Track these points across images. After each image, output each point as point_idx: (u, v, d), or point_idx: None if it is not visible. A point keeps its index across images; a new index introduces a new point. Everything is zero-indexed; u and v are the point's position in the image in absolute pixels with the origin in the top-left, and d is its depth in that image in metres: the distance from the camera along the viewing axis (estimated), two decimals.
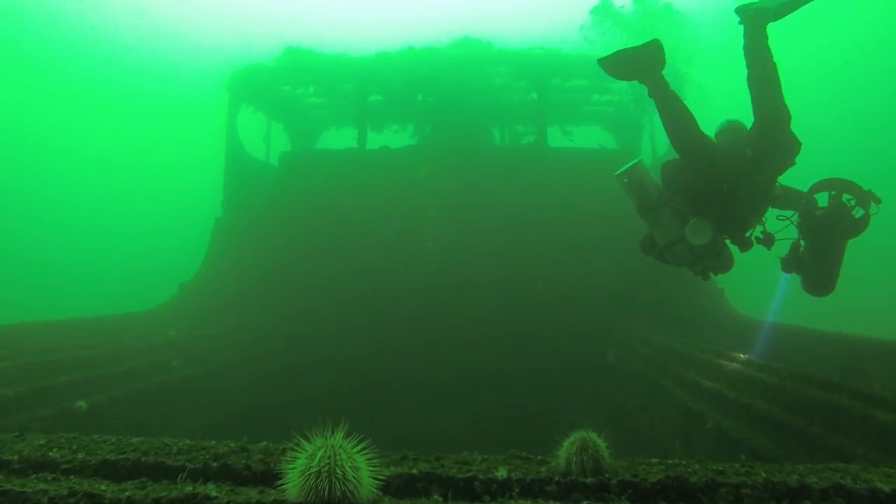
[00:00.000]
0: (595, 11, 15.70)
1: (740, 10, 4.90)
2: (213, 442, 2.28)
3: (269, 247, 11.79)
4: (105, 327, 8.47)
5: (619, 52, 5.05)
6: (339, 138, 16.22)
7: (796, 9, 4.76)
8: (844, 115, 50.01)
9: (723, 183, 5.05)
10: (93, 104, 62.08)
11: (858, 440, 3.41)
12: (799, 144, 4.90)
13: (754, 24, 4.78)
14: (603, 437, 2.05)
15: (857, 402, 3.63)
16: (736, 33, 4.95)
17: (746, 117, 5.09)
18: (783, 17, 4.80)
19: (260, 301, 11.05)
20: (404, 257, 11.44)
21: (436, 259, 11.45)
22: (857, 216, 5.21)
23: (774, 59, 4.76)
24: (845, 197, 5.31)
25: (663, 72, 5.11)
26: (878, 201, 5.24)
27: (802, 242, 5.49)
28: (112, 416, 5.71)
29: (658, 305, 10.38)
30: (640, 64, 5.04)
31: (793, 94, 4.83)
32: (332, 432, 1.74)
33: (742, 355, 5.88)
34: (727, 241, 5.45)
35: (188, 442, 2.26)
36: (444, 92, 13.47)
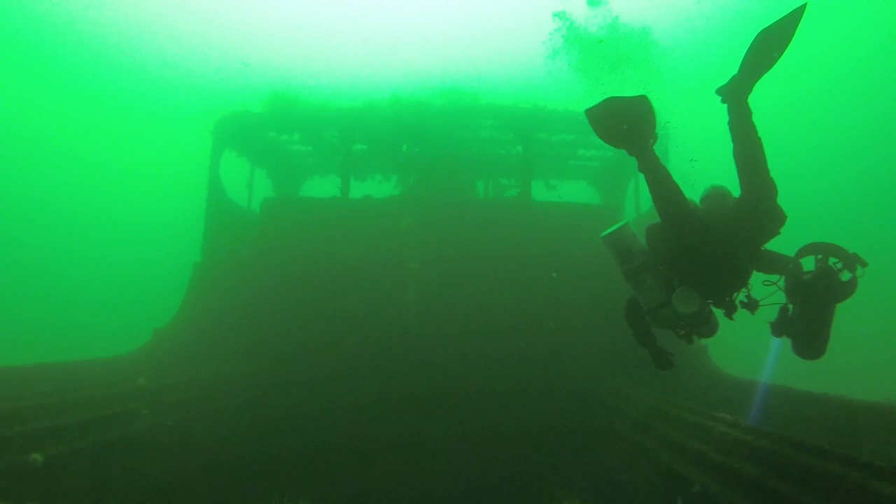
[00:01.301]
0: (557, 16, 16.02)
1: (720, 91, 4.91)
2: None
3: (248, 294, 11.58)
4: (70, 374, 8.18)
5: (607, 100, 4.96)
6: (322, 186, 16.18)
7: (762, 73, 4.74)
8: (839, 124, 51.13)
9: (708, 251, 4.99)
10: (78, 120, 61.57)
11: None
12: (784, 218, 4.88)
13: (735, 101, 4.78)
14: None
15: (852, 471, 3.47)
16: (714, 60, 4.93)
17: (725, 143, 5.01)
18: (757, 80, 4.78)
19: (237, 350, 10.79)
20: (385, 308, 11.27)
21: (416, 311, 11.28)
22: (844, 279, 5.15)
23: (759, 135, 4.75)
24: (831, 260, 5.26)
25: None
26: (863, 264, 5.19)
27: (790, 307, 5.41)
28: (71, 470, 5.41)
29: (641, 362, 10.20)
30: (630, 127, 4.95)
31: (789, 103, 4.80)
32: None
33: (729, 417, 5.73)
34: (712, 306, 5.38)
35: None
36: (430, 143, 13.49)
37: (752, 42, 4.61)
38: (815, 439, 4.28)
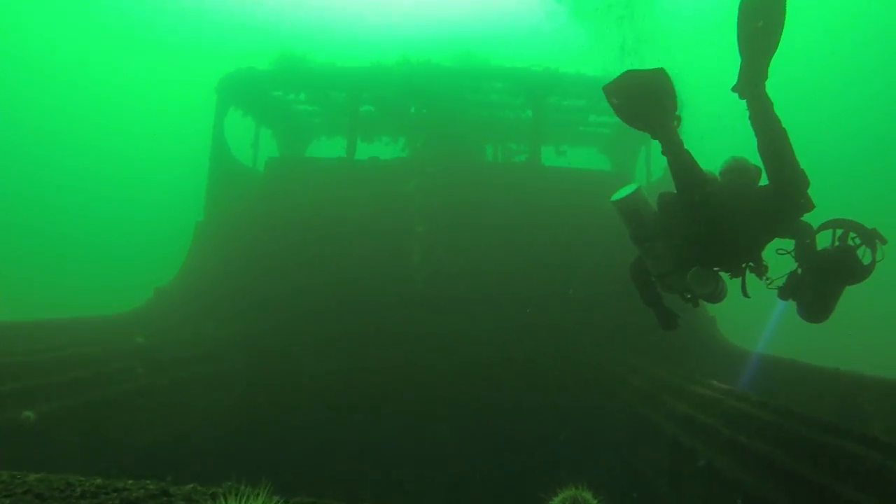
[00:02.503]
0: None
1: (735, 88, 4.62)
2: (130, 482, 1.89)
3: (251, 254, 11.43)
4: (67, 331, 8.04)
5: (624, 73, 4.71)
6: (329, 147, 15.92)
7: (768, 54, 4.45)
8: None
9: (725, 225, 4.81)
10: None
11: (875, 495, 3.08)
12: (812, 207, 4.65)
13: (752, 93, 4.48)
14: (600, 499, 1.71)
15: (872, 452, 3.31)
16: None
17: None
18: (767, 63, 4.49)
19: (238, 310, 10.67)
20: (389, 271, 11.11)
21: (421, 275, 11.12)
22: (865, 262, 4.99)
23: (783, 126, 4.47)
24: (850, 236, 5.10)
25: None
26: (883, 241, 5.02)
27: (800, 270, 5.27)
28: (64, 429, 5.31)
29: (648, 332, 10.04)
30: (650, 106, 4.70)
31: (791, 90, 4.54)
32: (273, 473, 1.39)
33: (738, 390, 5.60)
34: (721, 272, 5.23)
35: (98, 481, 1.87)
36: (439, 105, 13.22)
37: (737, 21, 4.37)
38: (828, 417, 4.13)
